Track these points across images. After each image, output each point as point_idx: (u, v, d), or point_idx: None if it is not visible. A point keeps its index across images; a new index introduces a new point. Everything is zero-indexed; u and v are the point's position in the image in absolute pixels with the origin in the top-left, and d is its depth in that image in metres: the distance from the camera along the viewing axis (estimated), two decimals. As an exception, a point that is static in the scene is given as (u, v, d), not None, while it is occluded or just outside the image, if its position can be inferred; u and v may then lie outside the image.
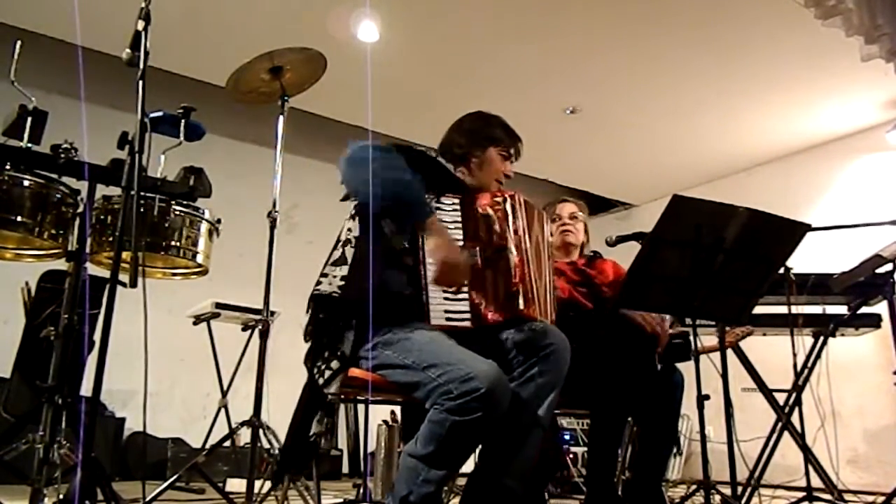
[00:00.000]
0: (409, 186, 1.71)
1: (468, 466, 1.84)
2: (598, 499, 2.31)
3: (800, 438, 2.89)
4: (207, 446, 3.06)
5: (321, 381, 1.75)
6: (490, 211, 1.86)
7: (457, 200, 1.88)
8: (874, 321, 3.12)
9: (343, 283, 1.79)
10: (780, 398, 3.12)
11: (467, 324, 1.76)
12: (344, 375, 1.74)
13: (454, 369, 1.56)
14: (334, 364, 1.75)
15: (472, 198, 1.90)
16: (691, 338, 2.39)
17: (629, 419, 2.64)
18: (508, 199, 1.88)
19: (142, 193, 1.87)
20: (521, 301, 1.78)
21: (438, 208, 1.83)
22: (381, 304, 1.69)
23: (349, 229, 1.88)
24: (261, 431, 2.61)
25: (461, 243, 1.82)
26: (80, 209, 2.28)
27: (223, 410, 3.35)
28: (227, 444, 2.88)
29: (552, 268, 2.10)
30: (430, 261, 1.70)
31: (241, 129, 5.02)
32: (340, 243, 1.88)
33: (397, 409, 3.46)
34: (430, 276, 1.71)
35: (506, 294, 1.79)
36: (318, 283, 1.84)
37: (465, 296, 1.78)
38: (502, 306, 1.78)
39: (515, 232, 1.86)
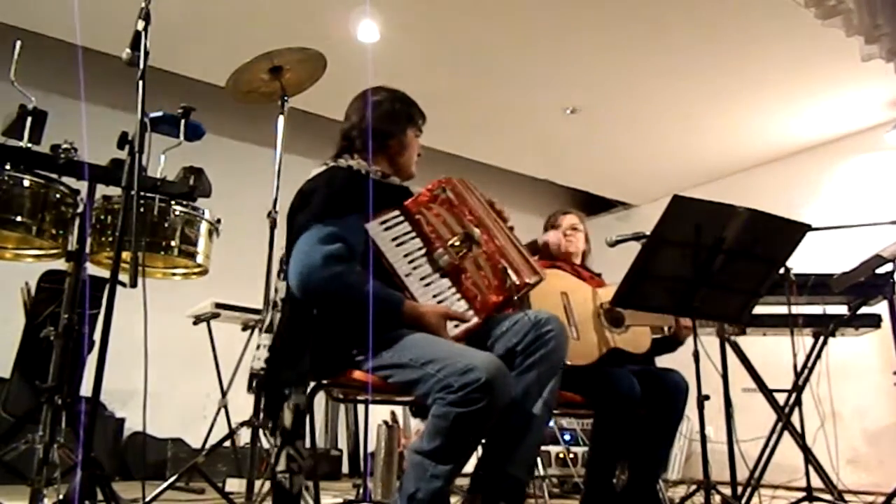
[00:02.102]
0: (364, 300, 1.65)
1: (469, 466, 1.84)
2: (596, 498, 2.32)
3: (800, 438, 2.89)
4: (207, 446, 3.06)
5: (272, 459, 1.75)
6: (434, 206, 1.83)
7: (397, 212, 1.82)
8: (874, 321, 3.11)
9: (269, 354, 1.79)
10: (780, 398, 3.12)
11: (475, 320, 1.74)
12: (287, 451, 1.73)
13: (452, 363, 1.56)
14: (277, 440, 1.76)
15: (410, 202, 1.84)
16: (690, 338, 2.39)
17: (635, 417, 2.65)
18: (445, 187, 1.85)
19: (142, 193, 1.87)
20: (511, 274, 1.76)
21: (388, 227, 1.80)
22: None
23: (276, 289, 1.85)
24: (261, 431, 2.61)
25: (424, 250, 1.79)
26: (80, 209, 2.28)
27: (223, 410, 3.35)
28: (227, 444, 2.88)
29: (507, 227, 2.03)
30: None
31: (241, 129, 5.01)
32: (270, 304, 1.86)
33: (397, 408, 3.47)
34: None
35: (493, 275, 1.77)
36: (254, 356, 1.85)
37: (458, 295, 1.76)
38: (497, 288, 1.76)
39: (471, 212, 1.83)
